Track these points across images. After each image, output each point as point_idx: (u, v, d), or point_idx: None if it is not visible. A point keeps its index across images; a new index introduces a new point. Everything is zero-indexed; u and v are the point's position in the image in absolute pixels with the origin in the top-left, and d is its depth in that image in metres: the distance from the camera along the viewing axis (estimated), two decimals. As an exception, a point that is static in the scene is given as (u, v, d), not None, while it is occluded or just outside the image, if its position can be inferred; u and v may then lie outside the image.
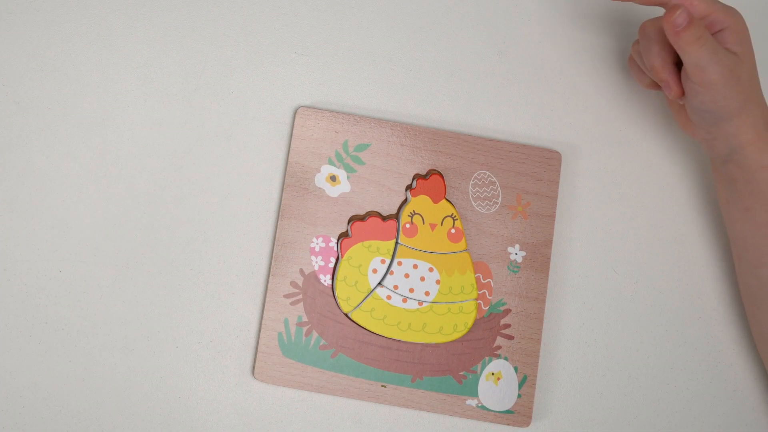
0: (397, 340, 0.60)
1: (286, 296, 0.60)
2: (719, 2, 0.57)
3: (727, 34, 0.56)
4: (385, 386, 0.59)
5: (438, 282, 0.60)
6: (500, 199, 0.61)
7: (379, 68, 0.63)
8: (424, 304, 0.60)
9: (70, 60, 0.62)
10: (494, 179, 0.61)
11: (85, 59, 0.62)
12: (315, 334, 0.59)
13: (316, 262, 0.60)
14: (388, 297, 0.60)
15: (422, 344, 0.60)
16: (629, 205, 0.63)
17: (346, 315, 0.59)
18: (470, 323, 0.60)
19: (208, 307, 0.61)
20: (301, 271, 0.60)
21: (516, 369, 0.60)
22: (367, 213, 0.60)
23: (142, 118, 0.62)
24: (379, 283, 0.60)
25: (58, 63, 0.62)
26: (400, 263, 0.60)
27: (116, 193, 0.61)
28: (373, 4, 0.64)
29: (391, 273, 0.60)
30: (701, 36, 0.54)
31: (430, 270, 0.60)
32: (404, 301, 0.60)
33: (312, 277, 0.60)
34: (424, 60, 0.63)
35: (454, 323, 0.59)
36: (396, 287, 0.60)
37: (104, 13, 0.63)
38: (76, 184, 0.61)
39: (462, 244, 0.60)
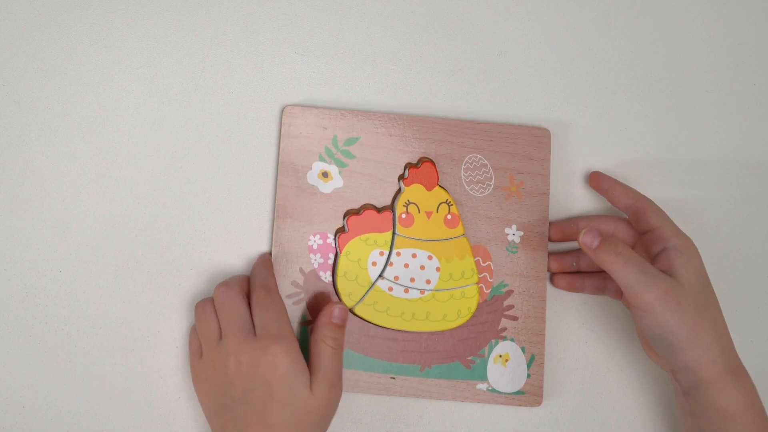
0: (402, 331, 0.59)
1: (289, 296, 0.59)
2: (672, 222, 0.55)
3: (672, 254, 0.53)
4: (394, 378, 0.59)
5: (438, 269, 0.60)
6: (493, 181, 0.61)
7: (379, 68, 0.63)
8: (426, 293, 0.59)
9: (70, 60, 0.62)
10: (486, 161, 0.61)
11: (85, 59, 0.62)
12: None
13: (315, 260, 0.60)
14: (390, 288, 0.59)
15: (428, 333, 0.59)
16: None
17: (349, 310, 0.59)
18: (473, 308, 0.59)
19: (208, 307, 0.61)
20: (301, 270, 0.60)
21: (523, 349, 0.60)
22: (361, 206, 0.60)
23: (142, 118, 0.62)
24: (380, 276, 0.59)
25: (58, 63, 0.62)
26: (398, 254, 0.60)
27: (116, 193, 0.61)
28: (373, 4, 0.64)
29: (391, 264, 0.59)
30: (621, 252, 0.52)
31: (429, 258, 0.60)
32: (406, 291, 0.59)
33: (312, 275, 0.60)
34: (424, 60, 0.63)
35: (457, 309, 0.59)
36: (396, 278, 0.59)
37: (104, 13, 0.63)
38: (76, 184, 0.61)
39: (459, 229, 0.60)
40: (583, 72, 0.64)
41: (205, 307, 0.56)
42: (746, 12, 0.65)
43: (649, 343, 0.55)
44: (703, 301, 0.53)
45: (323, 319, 0.55)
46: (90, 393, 0.60)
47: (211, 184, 0.61)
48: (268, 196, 0.61)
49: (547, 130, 0.61)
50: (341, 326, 0.55)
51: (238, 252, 0.61)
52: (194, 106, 0.62)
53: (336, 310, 0.55)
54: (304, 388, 0.52)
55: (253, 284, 0.56)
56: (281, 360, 0.52)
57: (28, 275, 0.60)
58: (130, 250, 0.61)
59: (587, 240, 0.53)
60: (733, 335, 0.62)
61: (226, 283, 0.56)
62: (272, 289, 0.56)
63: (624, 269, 0.52)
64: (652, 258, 0.55)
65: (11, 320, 0.60)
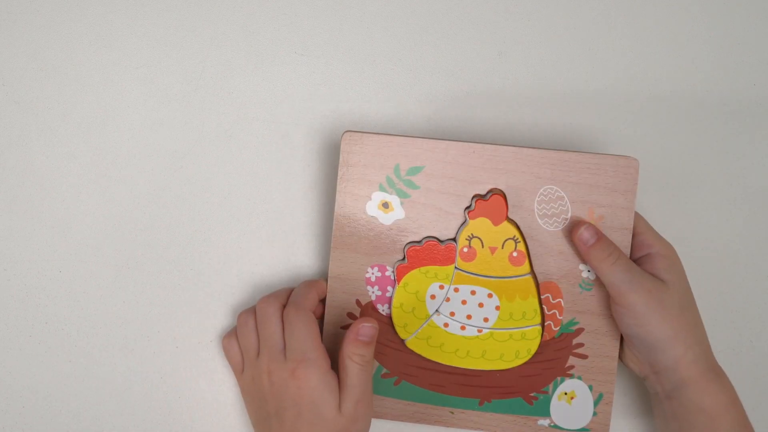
0: (460, 367, 0.57)
1: (344, 328, 0.57)
2: (653, 229, 0.57)
3: (656, 258, 0.55)
4: (453, 412, 0.57)
5: (498, 308, 0.56)
6: (569, 214, 0.56)
7: (379, 68, 0.63)
8: (484, 331, 0.57)
9: (70, 60, 0.62)
10: (562, 194, 0.56)
11: (85, 59, 0.62)
12: (376, 363, 0.57)
13: (373, 293, 0.57)
14: (446, 325, 0.57)
15: (488, 369, 0.57)
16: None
17: (403, 342, 0.57)
18: (533, 349, 0.57)
19: (208, 307, 0.61)
20: (358, 302, 0.57)
21: (591, 388, 0.57)
22: (423, 239, 0.57)
23: (142, 118, 0.62)
24: (436, 311, 0.57)
25: (58, 63, 0.62)
26: (456, 290, 0.57)
27: (116, 193, 0.61)
28: (373, 4, 0.64)
29: (447, 300, 0.57)
30: (612, 252, 0.54)
31: (489, 296, 0.56)
32: (462, 328, 0.57)
33: (369, 308, 0.57)
34: (424, 60, 0.63)
35: (515, 350, 0.57)
36: (452, 314, 0.57)
37: (104, 13, 0.63)
38: (76, 184, 0.61)
39: (525, 268, 0.56)
40: (583, 72, 0.64)
41: (248, 319, 0.56)
42: (746, 12, 0.65)
43: (631, 347, 0.55)
44: (686, 303, 0.54)
45: (350, 336, 0.54)
46: (90, 393, 0.60)
47: (211, 184, 0.61)
48: (268, 196, 0.61)
49: (634, 159, 0.56)
50: (369, 343, 0.54)
51: (238, 252, 0.61)
52: (194, 106, 0.62)
53: (362, 329, 0.54)
54: (332, 409, 0.52)
55: (288, 301, 0.56)
56: (308, 383, 0.52)
57: (28, 275, 0.60)
58: (130, 250, 0.61)
59: (586, 236, 0.54)
60: (733, 336, 0.62)
61: (267, 298, 0.56)
62: (301, 307, 0.55)
63: (611, 268, 0.53)
64: (635, 262, 0.56)
65: (11, 320, 0.60)
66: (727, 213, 0.63)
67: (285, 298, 0.57)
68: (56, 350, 0.60)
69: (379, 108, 0.63)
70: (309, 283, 0.57)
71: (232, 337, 0.57)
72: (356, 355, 0.54)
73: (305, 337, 0.53)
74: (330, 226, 0.61)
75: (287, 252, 0.61)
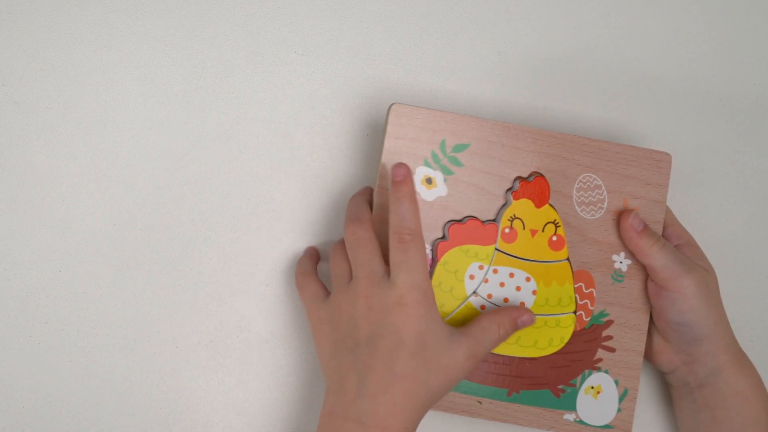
0: (493, 353, 0.56)
1: None
2: (678, 220, 0.58)
3: (686, 249, 0.56)
4: (481, 402, 0.56)
5: (534, 293, 0.56)
6: (606, 203, 0.57)
7: (379, 68, 0.63)
8: None
9: (70, 60, 0.62)
10: (600, 183, 0.57)
11: (85, 59, 0.62)
12: None
13: None
14: (482, 307, 0.56)
15: (519, 357, 0.56)
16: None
17: None
18: (566, 338, 0.56)
19: (208, 307, 0.61)
20: None
21: (617, 382, 0.57)
22: (464, 218, 0.56)
23: (142, 118, 0.62)
24: (474, 292, 0.56)
25: (58, 63, 0.62)
26: (495, 271, 0.56)
27: (116, 193, 0.61)
28: (373, 4, 0.64)
29: (486, 281, 0.56)
30: (659, 239, 0.55)
31: (527, 280, 0.56)
32: None
33: None
34: (424, 60, 0.63)
35: (549, 337, 0.56)
36: (490, 296, 0.56)
37: (104, 13, 0.63)
38: (76, 184, 0.61)
39: (563, 253, 0.56)
40: (583, 72, 0.64)
41: (337, 248, 0.55)
42: (746, 12, 0.65)
43: (671, 337, 0.56)
44: (718, 290, 0.56)
45: (512, 313, 0.53)
46: (90, 393, 0.60)
47: (211, 184, 0.61)
48: (267, 196, 0.62)
49: (668, 154, 0.57)
50: (518, 329, 0.54)
51: (237, 252, 0.61)
52: (194, 106, 0.62)
53: (526, 316, 0.54)
54: (441, 341, 0.50)
55: (394, 224, 0.52)
56: (416, 311, 0.50)
57: (28, 275, 0.60)
58: (130, 250, 0.61)
59: (636, 222, 0.55)
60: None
61: (357, 220, 0.53)
62: (417, 234, 0.52)
63: (662, 252, 0.54)
64: None
65: (11, 320, 0.60)
66: (728, 213, 0.63)
67: (369, 216, 0.54)
68: (56, 350, 0.60)
69: (379, 108, 0.63)
70: (410, 198, 0.53)
71: (307, 273, 0.56)
72: (504, 330, 0.53)
73: (417, 264, 0.51)
74: (330, 226, 0.61)
75: (287, 252, 0.61)
